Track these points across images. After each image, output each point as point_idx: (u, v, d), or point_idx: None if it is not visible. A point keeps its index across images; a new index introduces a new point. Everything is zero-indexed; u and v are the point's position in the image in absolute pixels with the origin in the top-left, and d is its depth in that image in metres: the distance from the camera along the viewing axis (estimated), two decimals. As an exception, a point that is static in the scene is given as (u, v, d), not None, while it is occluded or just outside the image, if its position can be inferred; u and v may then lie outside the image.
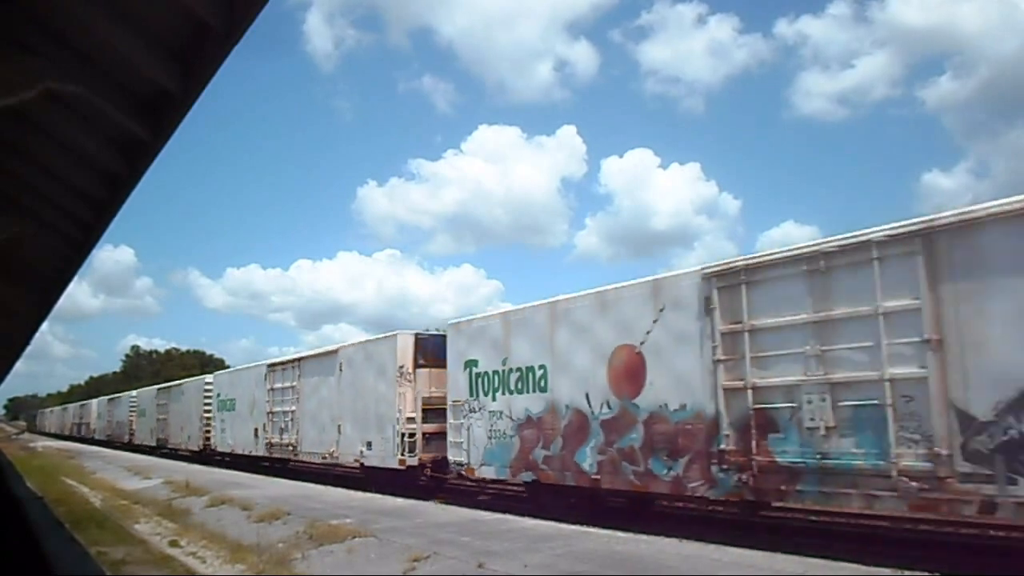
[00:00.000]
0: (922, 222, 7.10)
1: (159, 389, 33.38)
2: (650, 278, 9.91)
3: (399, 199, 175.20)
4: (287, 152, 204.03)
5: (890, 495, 7.10)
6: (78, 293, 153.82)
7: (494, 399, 12.32)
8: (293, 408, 19.48)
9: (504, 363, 12.17)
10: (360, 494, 13.98)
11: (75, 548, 9.05)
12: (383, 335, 16.05)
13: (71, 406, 64.42)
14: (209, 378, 27.22)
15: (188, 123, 5.48)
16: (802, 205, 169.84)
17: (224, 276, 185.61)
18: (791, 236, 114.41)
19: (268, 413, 20.88)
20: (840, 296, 7.64)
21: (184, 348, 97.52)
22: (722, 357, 8.65)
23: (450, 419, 13.44)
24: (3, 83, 4.68)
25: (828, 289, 7.75)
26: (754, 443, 8.22)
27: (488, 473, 12.45)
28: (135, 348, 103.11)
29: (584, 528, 9.12)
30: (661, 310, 9.52)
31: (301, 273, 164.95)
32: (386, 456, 14.98)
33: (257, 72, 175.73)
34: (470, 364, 12.98)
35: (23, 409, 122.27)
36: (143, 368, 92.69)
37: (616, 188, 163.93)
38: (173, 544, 9.84)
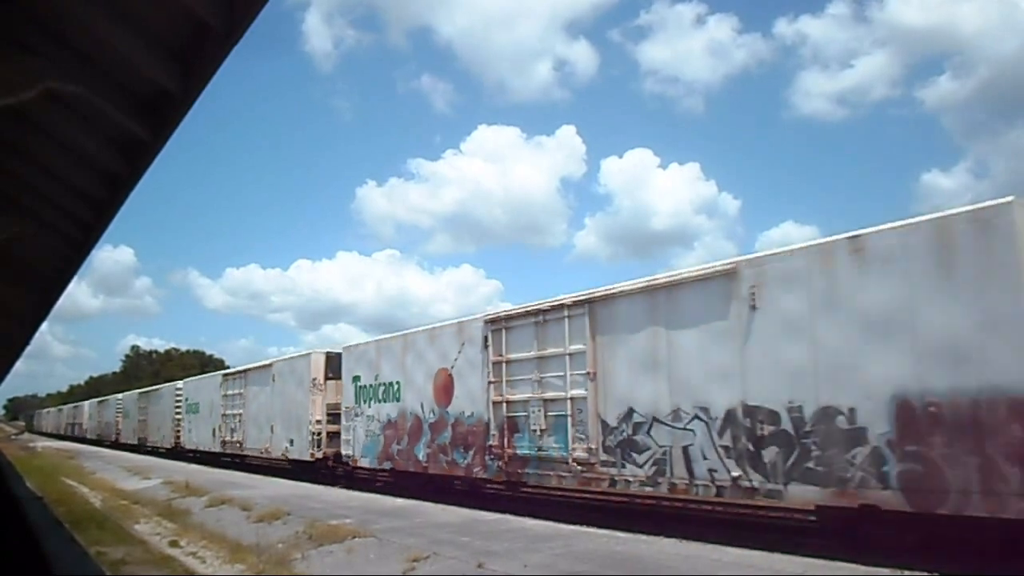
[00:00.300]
0: (587, 293, 10.69)
1: (140, 393, 37.22)
2: (457, 320, 13.54)
3: (398, 199, 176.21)
4: (287, 152, 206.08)
5: (569, 475, 10.70)
6: (78, 293, 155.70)
7: (370, 406, 15.93)
8: (240, 411, 23.15)
9: (376, 379, 15.78)
10: (359, 494, 14.54)
11: (75, 548, 9.06)
12: (302, 353, 19.76)
13: (66, 407, 68.51)
14: (180, 384, 30.98)
15: (188, 123, 5.51)
16: (802, 205, 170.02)
17: (224, 276, 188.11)
18: (791, 236, 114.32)
19: (222, 415, 24.56)
20: (549, 340, 11.23)
21: (184, 348, 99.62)
22: (492, 380, 12.22)
23: (343, 421, 17.11)
24: (3, 83, 4.69)
25: (545, 335, 11.34)
26: (506, 440, 11.82)
27: (365, 463, 16.09)
28: (135, 348, 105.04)
29: (584, 528, 9.38)
30: (463, 344, 13.11)
31: (301, 273, 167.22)
32: (302, 451, 18.68)
33: (257, 72, 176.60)
34: (356, 379, 16.61)
35: (23, 409, 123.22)
36: (143, 368, 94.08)
37: (615, 188, 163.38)
38: (173, 544, 10.00)
